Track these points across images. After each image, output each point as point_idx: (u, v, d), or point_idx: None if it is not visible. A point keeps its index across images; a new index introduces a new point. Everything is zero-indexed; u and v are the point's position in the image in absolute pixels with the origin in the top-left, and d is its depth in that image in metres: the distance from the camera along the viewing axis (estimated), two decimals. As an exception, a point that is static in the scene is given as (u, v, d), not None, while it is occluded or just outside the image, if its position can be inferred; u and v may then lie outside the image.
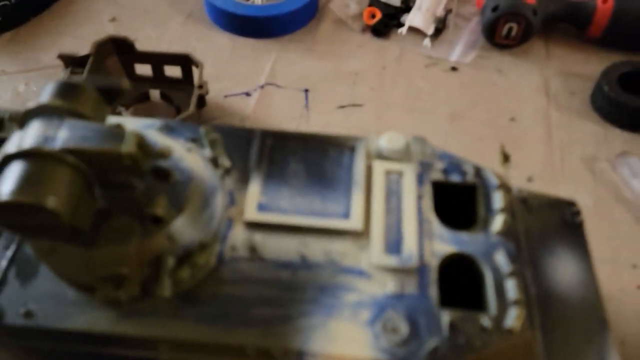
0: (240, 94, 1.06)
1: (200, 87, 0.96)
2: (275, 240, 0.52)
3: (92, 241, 0.46)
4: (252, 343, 0.46)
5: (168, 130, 0.61)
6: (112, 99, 0.52)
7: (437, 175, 0.58)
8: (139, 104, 1.01)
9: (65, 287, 0.49)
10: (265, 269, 0.50)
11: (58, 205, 0.41)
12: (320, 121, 1.01)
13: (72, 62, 0.97)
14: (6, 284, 0.49)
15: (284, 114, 1.03)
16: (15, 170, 0.42)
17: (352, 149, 0.59)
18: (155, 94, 1.02)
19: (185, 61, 1.00)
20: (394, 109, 1.03)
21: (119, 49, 1.00)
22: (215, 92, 1.04)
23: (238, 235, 0.52)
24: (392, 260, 0.51)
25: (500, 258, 0.52)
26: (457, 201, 0.58)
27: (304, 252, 0.52)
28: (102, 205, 0.48)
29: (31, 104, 0.46)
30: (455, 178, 0.58)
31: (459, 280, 0.53)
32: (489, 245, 0.53)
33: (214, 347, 0.46)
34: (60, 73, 1.04)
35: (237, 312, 0.48)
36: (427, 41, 1.14)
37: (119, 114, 0.96)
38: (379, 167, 0.57)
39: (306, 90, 1.07)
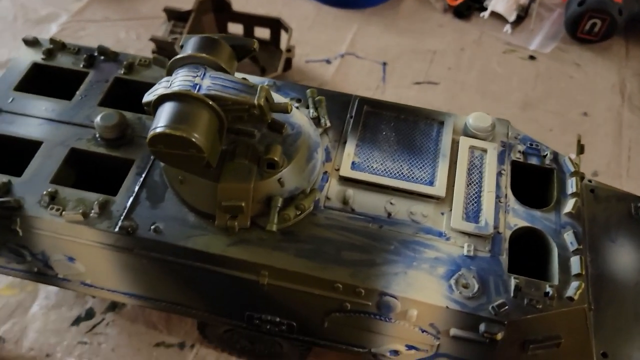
0: (321, 60, 1.12)
1: (289, 50, 1.02)
2: (365, 196, 0.59)
3: (217, 176, 0.54)
4: (341, 280, 0.53)
5: (276, 88, 0.68)
6: (242, 56, 0.59)
7: (517, 155, 0.64)
8: (230, 60, 1.08)
9: (187, 212, 0.57)
10: (355, 220, 0.57)
11: (204, 142, 0.49)
12: (394, 95, 1.07)
13: (174, 16, 1.06)
14: (138, 204, 0.57)
15: (361, 84, 1.08)
16: (168, 108, 0.50)
17: (441, 123, 0.65)
18: (244, 52, 1.09)
19: (275, 24, 1.06)
20: (468, 91, 1.07)
21: (216, 7, 1.08)
22: (298, 56, 1.10)
23: (333, 188, 0.59)
24: (469, 227, 0.57)
25: (568, 236, 0.57)
26: (532, 181, 0.63)
27: (390, 210, 0.58)
28: (226, 147, 0.55)
29: (179, 55, 0.54)
30: (533, 160, 0.64)
31: (526, 252, 0.58)
32: (559, 224, 0.59)
33: (308, 279, 0.54)
34: (157, 24, 1.13)
35: (330, 252, 0.55)
36: (507, 27, 1.16)
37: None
38: (465, 142, 0.63)
39: (384, 64, 1.12)
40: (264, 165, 0.55)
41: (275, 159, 0.54)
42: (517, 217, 0.59)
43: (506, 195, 0.60)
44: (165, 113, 0.50)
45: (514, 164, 0.63)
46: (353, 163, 0.61)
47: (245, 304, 0.58)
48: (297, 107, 0.62)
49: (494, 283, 0.54)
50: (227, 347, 0.71)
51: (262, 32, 1.09)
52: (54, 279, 0.63)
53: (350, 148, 0.62)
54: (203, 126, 0.50)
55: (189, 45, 0.55)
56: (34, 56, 0.70)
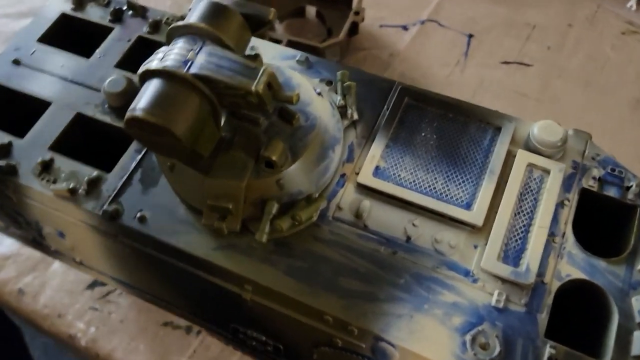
0: (397, 26, 0.99)
1: (357, 13, 0.91)
2: (383, 212, 0.49)
3: (208, 168, 0.46)
4: (331, 312, 0.45)
5: (307, 65, 0.58)
6: (256, 27, 0.50)
7: (590, 182, 0.50)
8: (294, 18, 0.99)
9: (178, 203, 0.50)
10: (365, 239, 0.48)
11: (183, 131, 0.42)
12: (476, 75, 0.92)
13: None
14: (130, 186, 0.52)
15: (438, 58, 0.94)
16: (152, 88, 0.43)
17: (498, 130, 0.52)
18: (311, 11, 0.98)
19: (349, -19, 0.95)
20: (567, 78, 0.89)
21: (285, -43, 0.98)
22: (371, 19, 0.98)
23: (347, 196, 0.50)
24: (505, 270, 0.45)
25: (638, 302, 0.44)
26: (605, 219, 0.50)
27: (410, 233, 0.48)
28: (226, 134, 0.48)
29: (178, 23, 0.46)
30: (611, 191, 0.49)
31: (576, 312, 0.46)
32: (629, 283, 0.45)
33: (295, 304, 0.46)
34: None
35: (326, 275, 0.46)
36: (632, 2, 0.95)
37: (272, 27, 0.95)
38: (523, 158, 0.50)
39: (470, 36, 0.96)
40: (261, 162, 0.46)
41: (273, 158, 0.45)
42: (573, 265, 0.46)
43: (564, 234, 0.47)
44: (147, 93, 0.43)
45: (584, 193, 0.49)
46: (377, 168, 0.51)
47: (229, 314, 0.52)
48: (319, 94, 0.52)
49: (522, 348, 0.43)
50: (232, 343, 0.66)
51: (335, -11, 0.97)
52: (48, 250, 0.60)
53: (377, 149, 0.51)
54: (187, 112, 0.43)
55: (195, 11, 0.47)
56: (64, 5, 0.65)
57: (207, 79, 0.43)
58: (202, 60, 0.44)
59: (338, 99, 0.54)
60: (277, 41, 0.86)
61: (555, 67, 0.91)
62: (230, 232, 0.48)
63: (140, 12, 0.64)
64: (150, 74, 0.44)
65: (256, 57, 0.49)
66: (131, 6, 0.64)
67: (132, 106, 0.43)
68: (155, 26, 0.63)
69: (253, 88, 0.43)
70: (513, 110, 0.87)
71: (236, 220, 0.47)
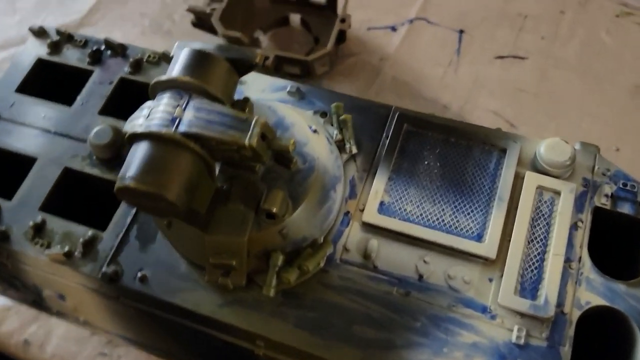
0: (385, 27, 0.96)
1: (343, 20, 0.88)
2: (392, 250, 0.47)
3: (207, 224, 0.44)
4: (349, 364, 0.43)
5: (299, 96, 0.56)
6: (243, 71, 0.48)
7: (602, 200, 0.48)
8: (278, 28, 0.96)
9: (178, 259, 0.49)
10: (376, 281, 0.46)
11: (177, 195, 0.40)
12: (470, 72, 0.89)
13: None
14: (127, 244, 0.50)
15: (430, 58, 0.92)
16: (141, 153, 0.41)
17: (503, 152, 0.50)
18: (295, 19, 0.96)
19: (332, -15, 0.92)
20: (564, 69, 0.87)
21: (265, -34, 0.94)
22: (358, 23, 0.95)
23: (353, 236, 0.48)
24: (523, 304, 0.43)
25: (663, 327, 0.43)
26: (620, 238, 0.48)
27: (422, 271, 0.46)
28: (222, 184, 0.46)
29: (161, 78, 0.43)
30: (625, 208, 0.48)
31: (599, 341, 0.44)
32: (652, 306, 0.44)
33: (310, 357, 0.44)
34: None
35: (338, 325, 0.45)
36: (624, -17, 0.92)
37: (257, 39, 0.92)
38: (531, 181, 0.48)
39: (461, 32, 0.94)
40: (262, 214, 0.44)
41: (274, 210, 0.43)
42: (592, 291, 0.44)
43: (580, 258, 0.45)
44: (136, 158, 0.41)
45: (597, 212, 0.47)
46: (381, 204, 0.49)
47: (243, 367, 0.51)
48: (315, 131, 0.50)
49: (549, 386, 0.41)
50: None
51: (318, -5, 0.94)
52: (50, 311, 0.58)
53: (379, 183, 0.49)
54: (179, 175, 0.41)
55: (178, 62, 0.44)
56: (39, 49, 0.63)
57: (198, 136, 0.41)
58: (190, 116, 0.42)
59: (335, 132, 0.52)
60: (265, 58, 0.83)
61: (550, 58, 0.88)
62: (236, 286, 0.46)
63: (120, 51, 0.62)
64: (137, 137, 0.42)
65: (246, 102, 0.47)
66: (109, 46, 0.61)
67: (121, 174, 0.41)
68: (137, 65, 0.60)
69: (246, 142, 0.41)
70: (512, 107, 0.86)
71: (241, 275, 0.46)
